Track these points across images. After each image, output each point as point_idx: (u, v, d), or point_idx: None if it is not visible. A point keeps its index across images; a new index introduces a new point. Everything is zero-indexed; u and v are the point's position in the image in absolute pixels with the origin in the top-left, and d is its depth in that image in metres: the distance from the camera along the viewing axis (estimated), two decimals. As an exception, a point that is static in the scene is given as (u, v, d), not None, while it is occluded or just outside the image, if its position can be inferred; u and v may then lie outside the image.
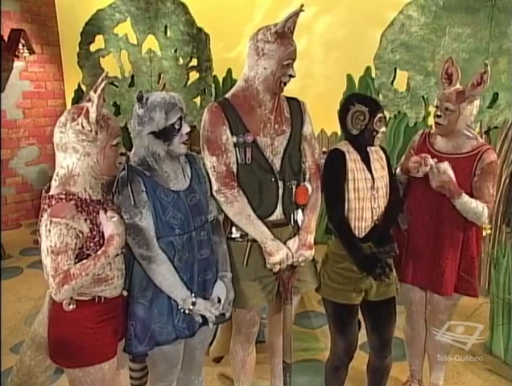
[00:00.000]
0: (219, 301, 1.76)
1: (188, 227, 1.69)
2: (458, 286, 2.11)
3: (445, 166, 1.95)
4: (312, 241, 1.92)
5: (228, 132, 1.81)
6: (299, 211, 1.94)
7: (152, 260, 1.62)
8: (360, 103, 1.90)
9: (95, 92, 1.44)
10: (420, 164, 1.98)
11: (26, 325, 3.19)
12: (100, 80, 1.48)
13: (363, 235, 1.96)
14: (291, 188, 1.89)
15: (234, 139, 1.81)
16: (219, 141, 1.81)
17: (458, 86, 2.06)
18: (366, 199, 1.92)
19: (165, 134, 1.63)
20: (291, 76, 1.82)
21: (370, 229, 1.95)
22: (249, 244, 1.89)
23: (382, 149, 2.05)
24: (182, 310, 1.68)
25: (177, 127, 1.64)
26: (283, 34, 1.77)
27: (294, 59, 1.81)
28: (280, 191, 1.87)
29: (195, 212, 1.72)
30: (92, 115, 1.42)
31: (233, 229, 1.90)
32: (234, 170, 1.84)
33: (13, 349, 2.87)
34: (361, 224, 1.94)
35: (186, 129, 1.67)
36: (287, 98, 1.94)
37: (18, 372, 1.79)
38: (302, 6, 1.76)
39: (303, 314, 3.27)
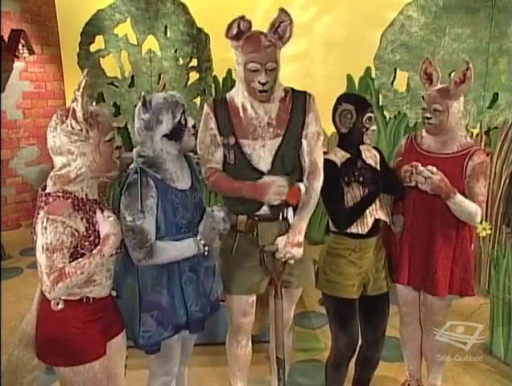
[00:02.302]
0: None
1: (193, 225, 1.74)
2: (455, 287, 2.10)
3: (434, 168, 1.96)
4: (301, 240, 1.90)
5: (216, 130, 1.87)
6: (290, 209, 1.92)
7: (150, 257, 1.62)
8: (347, 102, 1.96)
9: (78, 90, 1.43)
10: (412, 172, 1.99)
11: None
12: (82, 78, 1.46)
13: (366, 231, 1.99)
14: None
15: (221, 139, 1.87)
16: (207, 137, 1.89)
17: (440, 85, 2.07)
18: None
19: (176, 134, 1.68)
20: (262, 84, 1.75)
21: (372, 224, 1.99)
22: (237, 235, 1.93)
23: (375, 148, 2.10)
24: (201, 253, 1.72)
25: (183, 123, 1.69)
26: (249, 37, 1.76)
27: (262, 64, 1.74)
28: None
29: (197, 210, 1.78)
30: (79, 114, 1.41)
31: None
32: (219, 164, 1.91)
33: (13, 349, 2.87)
34: (363, 221, 1.98)
35: (191, 122, 1.73)
36: (295, 94, 1.90)
37: (5, 372, 1.79)
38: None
39: (303, 314, 3.27)
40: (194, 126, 1.74)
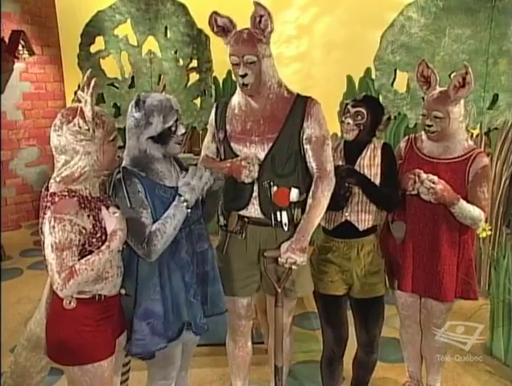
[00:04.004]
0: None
1: (188, 221, 1.72)
2: (458, 290, 2.09)
3: (435, 177, 1.93)
4: (305, 245, 1.83)
5: (214, 126, 1.96)
6: (284, 214, 1.86)
7: (153, 246, 1.60)
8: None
9: (83, 90, 1.46)
10: (415, 181, 1.95)
11: (26, 326, 3.18)
12: (86, 78, 1.48)
13: (332, 227, 2.02)
14: (267, 188, 1.85)
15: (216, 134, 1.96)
16: (209, 133, 2.01)
17: (438, 88, 2.02)
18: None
19: (162, 138, 1.67)
20: (241, 77, 1.77)
21: (340, 224, 1.99)
22: (228, 235, 1.95)
23: (385, 145, 2.03)
24: (188, 215, 1.68)
25: (173, 129, 1.69)
26: (235, 33, 1.80)
27: (239, 57, 1.77)
28: (255, 189, 1.87)
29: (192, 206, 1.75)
30: (88, 114, 1.44)
31: (221, 218, 1.96)
32: (213, 154, 2.00)
33: (13, 350, 2.86)
34: (332, 217, 2.00)
35: (181, 130, 1.72)
36: (297, 98, 1.88)
37: (13, 374, 1.78)
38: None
39: (303, 315, 3.27)
40: (184, 134, 1.74)
